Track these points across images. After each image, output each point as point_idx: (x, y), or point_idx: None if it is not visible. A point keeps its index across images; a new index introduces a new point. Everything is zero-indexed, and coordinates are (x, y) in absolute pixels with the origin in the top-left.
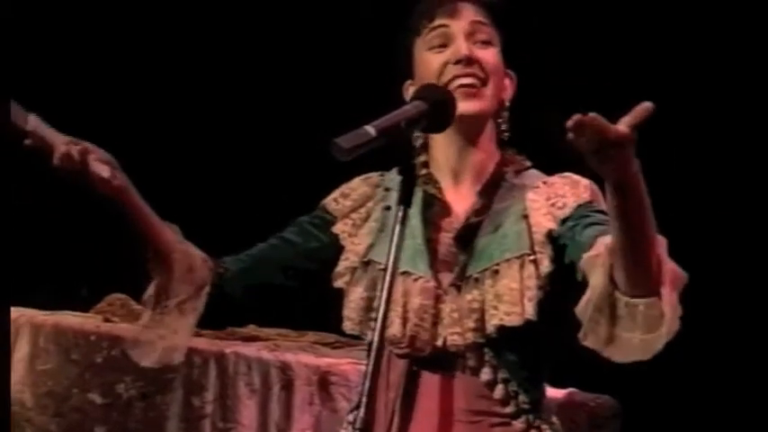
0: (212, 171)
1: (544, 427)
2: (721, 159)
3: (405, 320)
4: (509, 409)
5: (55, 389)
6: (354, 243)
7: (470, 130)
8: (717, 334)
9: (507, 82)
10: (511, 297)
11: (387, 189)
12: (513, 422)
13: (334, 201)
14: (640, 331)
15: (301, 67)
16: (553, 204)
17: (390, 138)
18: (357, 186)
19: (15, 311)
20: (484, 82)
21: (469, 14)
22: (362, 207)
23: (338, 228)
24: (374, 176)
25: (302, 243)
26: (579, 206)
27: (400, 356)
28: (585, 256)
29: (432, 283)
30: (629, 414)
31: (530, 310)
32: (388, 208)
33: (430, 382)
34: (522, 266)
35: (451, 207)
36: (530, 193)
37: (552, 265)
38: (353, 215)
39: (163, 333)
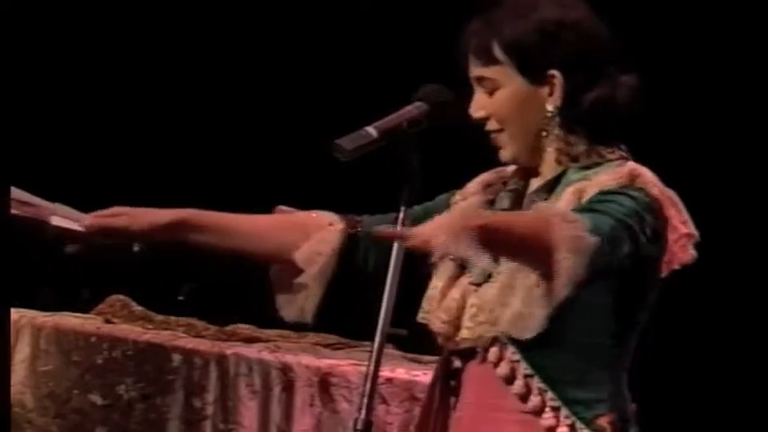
0: (213, 173)
1: (580, 426)
2: (717, 158)
3: (440, 309)
4: (530, 406)
5: (56, 390)
6: None
7: (528, 163)
8: (718, 334)
9: (546, 91)
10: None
11: (504, 183)
12: (538, 419)
13: (464, 188)
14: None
15: (302, 68)
16: (588, 195)
17: (392, 139)
18: (484, 176)
19: (16, 313)
20: (500, 130)
21: (472, 69)
22: (474, 197)
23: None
24: (507, 169)
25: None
26: (598, 193)
27: (442, 347)
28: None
29: (464, 280)
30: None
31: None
32: (492, 202)
33: (463, 374)
34: None
35: (522, 208)
36: (573, 186)
37: None
38: (471, 198)
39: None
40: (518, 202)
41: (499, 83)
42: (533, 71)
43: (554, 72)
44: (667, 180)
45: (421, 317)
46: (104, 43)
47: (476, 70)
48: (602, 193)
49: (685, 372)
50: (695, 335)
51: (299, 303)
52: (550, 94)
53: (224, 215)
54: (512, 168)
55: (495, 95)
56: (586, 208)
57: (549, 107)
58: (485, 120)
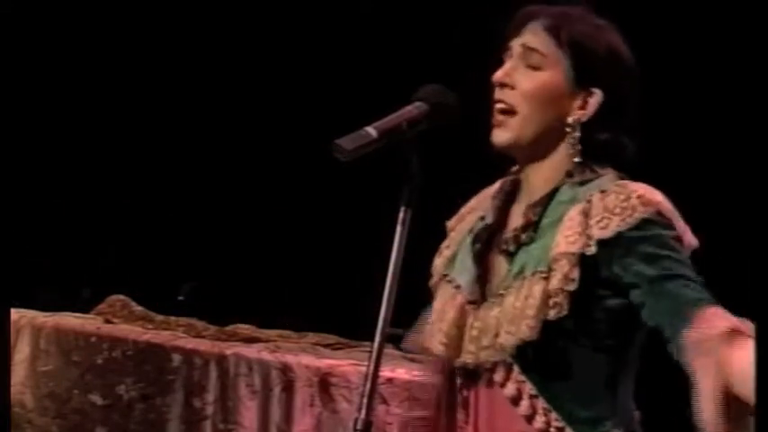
0: (214, 173)
1: None
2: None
3: (440, 332)
4: (536, 426)
5: (56, 390)
6: (442, 255)
7: (518, 156)
8: None
9: (578, 102)
10: (512, 315)
11: (493, 198)
12: None
13: (456, 215)
14: None
15: (302, 68)
16: (598, 222)
17: (392, 139)
18: (478, 197)
19: (16, 313)
20: (511, 111)
21: (527, 36)
22: (469, 216)
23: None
24: (499, 183)
25: None
26: (622, 233)
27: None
28: (692, 339)
29: (460, 299)
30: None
31: (524, 331)
32: (482, 218)
33: (470, 392)
34: (531, 284)
35: (508, 222)
36: (574, 207)
37: (572, 282)
38: (459, 226)
39: None
40: (504, 216)
41: (547, 63)
42: (584, 76)
43: (597, 90)
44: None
45: (427, 342)
46: (107, 44)
47: (533, 40)
48: (634, 230)
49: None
50: None
51: None
52: (581, 108)
53: None
54: (497, 187)
55: (535, 73)
56: (670, 275)
57: (572, 119)
58: (505, 86)
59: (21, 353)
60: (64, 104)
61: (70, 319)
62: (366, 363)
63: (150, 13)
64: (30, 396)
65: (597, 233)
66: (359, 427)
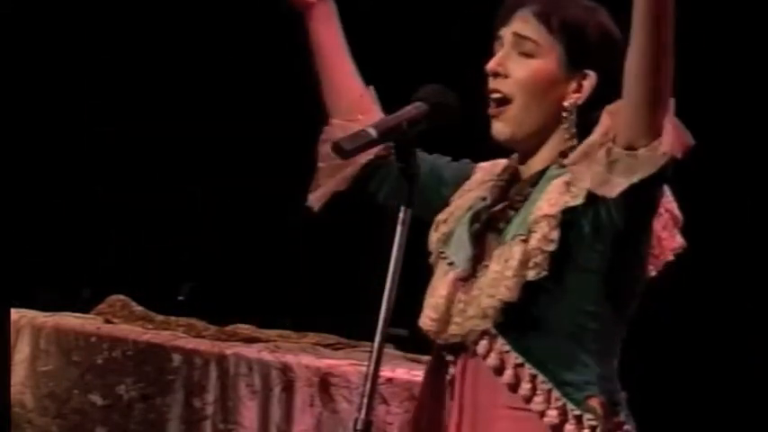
0: (214, 175)
1: (571, 407)
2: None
3: (429, 307)
4: (521, 393)
5: (56, 390)
6: (438, 230)
7: (518, 148)
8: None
9: (573, 86)
10: (493, 281)
11: (497, 180)
12: (528, 408)
13: (477, 168)
14: (637, 174)
15: (302, 68)
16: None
17: (392, 139)
18: (483, 171)
19: (16, 313)
20: (507, 99)
21: (517, 24)
22: (470, 192)
23: (452, 198)
24: (507, 161)
25: (436, 177)
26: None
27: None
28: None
29: (452, 275)
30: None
31: (503, 292)
32: (484, 199)
33: (455, 368)
34: (510, 247)
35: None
36: (559, 179)
37: (551, 243)
38: (458, 202)
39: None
40: (504, 198)
41: (540, 50)
42: (577, 60)
43: (591, 72)
44: None
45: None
46: (108, 44)
47: (524, 28)
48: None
49: (677, 365)
50: (687, 328)
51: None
52: (576, 92)
53: (344, 46)
54: (503, 164)
55: (529, 61)
56: None
57: (568, 103)
58: (498, 75)
59: (21, 353)
60: (64, 104)
61: (70, 319)
62: (366, 363)
63: (152, 16)
64: (30, 396)
65: (583, 186)
66: (359, 427)
